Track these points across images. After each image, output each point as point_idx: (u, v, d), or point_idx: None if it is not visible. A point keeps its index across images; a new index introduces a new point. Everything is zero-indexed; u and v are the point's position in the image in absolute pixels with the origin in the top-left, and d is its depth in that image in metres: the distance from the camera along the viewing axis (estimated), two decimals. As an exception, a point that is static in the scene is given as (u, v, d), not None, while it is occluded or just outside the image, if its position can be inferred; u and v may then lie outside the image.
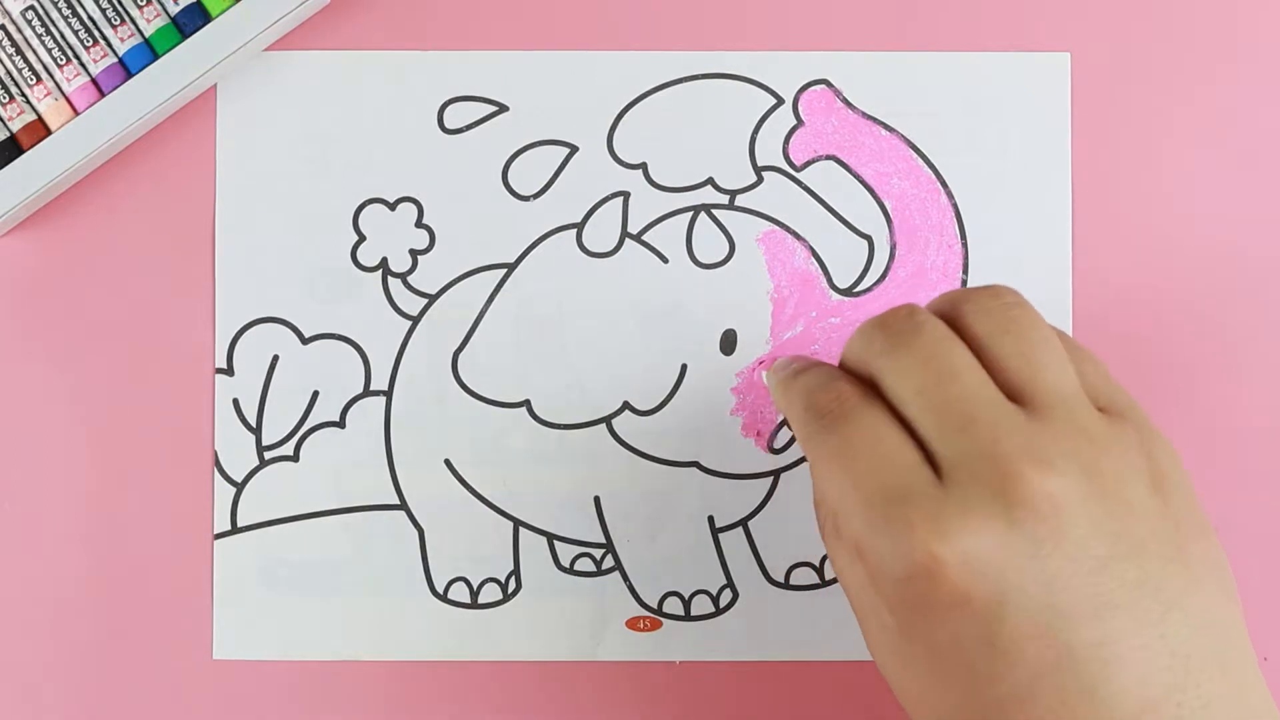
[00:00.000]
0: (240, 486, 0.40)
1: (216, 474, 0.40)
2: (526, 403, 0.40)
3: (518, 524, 0.40)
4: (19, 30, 0.39)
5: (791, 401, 0.32)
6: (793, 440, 0.40)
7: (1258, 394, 0.41)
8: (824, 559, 0.40)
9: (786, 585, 0.40)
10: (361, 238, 0.40)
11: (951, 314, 0.31)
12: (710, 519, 0.40)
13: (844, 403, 0.30)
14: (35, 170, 0.38)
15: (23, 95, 0.38)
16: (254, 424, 0.40)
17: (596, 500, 0.40)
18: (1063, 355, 0.30)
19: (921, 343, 0.29)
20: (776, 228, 0.41)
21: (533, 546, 0.40)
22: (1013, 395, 0.29)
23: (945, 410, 0.29)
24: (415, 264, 0.40)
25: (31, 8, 0.39)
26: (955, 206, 0.41)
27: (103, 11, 0.38)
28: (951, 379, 0.29)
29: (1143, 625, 0.27)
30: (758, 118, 0.41)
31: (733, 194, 0.41)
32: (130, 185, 0.40)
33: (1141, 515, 0.28)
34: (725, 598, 0.40)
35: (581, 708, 0.40)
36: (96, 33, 0.39)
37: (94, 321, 0.40)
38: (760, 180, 0.41)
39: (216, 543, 0.40)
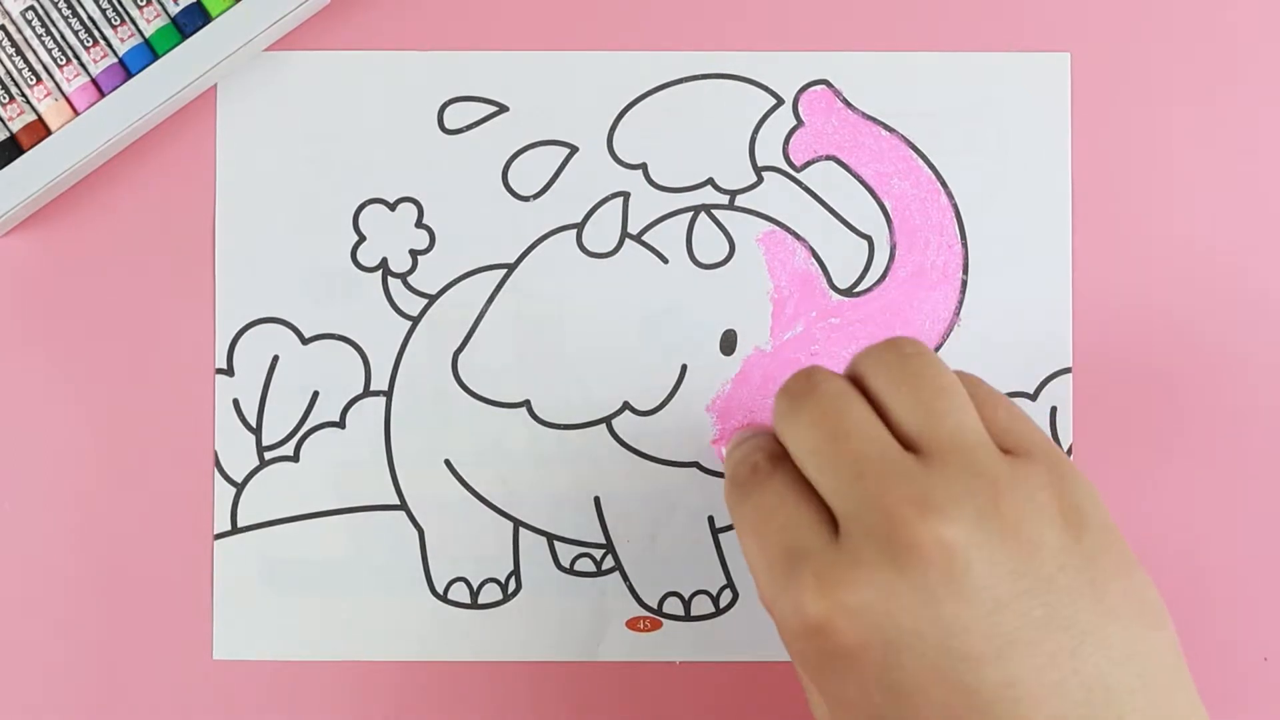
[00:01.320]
0: (240, 486, 0.40)
1: (216, 474, 0.40)
2: (526, 403, 0.40)
3: (518, 524, 0.40)
4: (19, 30, 0.39)
5: (725, 477, 0.33)
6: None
7: (1258, 393, 0.41)
8: (824, 559, 0.40)
9: (786, 585, 0.40)
10: (361, 238, 0.40)
11: (854, 370, 0.31)
12: (710, 519, 0.40)
13: (756, 473, 0.31)
14: (35, 170, 0.38)
15: (23, 95, 0.38)
16: (254, 424, 0.40)
17: (596, 500, 0.40)
18: (963, 401, 0.30)
19: (815, 402, 0.30)
20: (776, 228, 0.41)
21: (533, 546, 0.40)
22: (911, 446, 0.29)
23: (837, 466, 0.29)
24: (415, 264, 0.40)
25: (31, 8, 0.39)
26: (955, 206, 0.41)
27: (103, 11, 0.38)
28: (843, 437, 0.29)
29: (1053, 661, 0.27)
30: (758, 118, 0.41)
31: (733, 194, 0.41)
32: (130, 185, 0.40)
33: (1048, 552, 0.28)
34: (725, 598, 0.40)
35: (581, 708, 0.40)
36: (96, 33, 0.39)
37: (94, 321, 0.40)
38: (760, 180, 0.41)
39: (216, 543, 0.40)
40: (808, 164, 0.41)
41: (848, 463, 0.29)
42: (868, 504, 0.28)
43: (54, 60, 0.38)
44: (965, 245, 0.41)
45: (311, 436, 0.40)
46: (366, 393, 0.40)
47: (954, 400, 0.30)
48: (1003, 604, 0.27)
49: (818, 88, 0.41)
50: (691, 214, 0.41)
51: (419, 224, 0.41)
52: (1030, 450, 0.30)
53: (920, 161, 0.41)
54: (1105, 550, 0.29)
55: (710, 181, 0.41)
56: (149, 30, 0.39)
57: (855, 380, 0.31)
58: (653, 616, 0.40)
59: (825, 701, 0.30)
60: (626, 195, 0.41)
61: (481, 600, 0.40)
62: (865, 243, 0.41)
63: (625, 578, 0.40)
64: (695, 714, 0.40)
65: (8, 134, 0.38)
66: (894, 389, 0.30)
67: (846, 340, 0.40)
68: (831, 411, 0.30)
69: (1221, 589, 0.40)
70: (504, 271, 0.40)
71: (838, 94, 0.41)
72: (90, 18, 0.39)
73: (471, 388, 0.40)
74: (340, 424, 0.40)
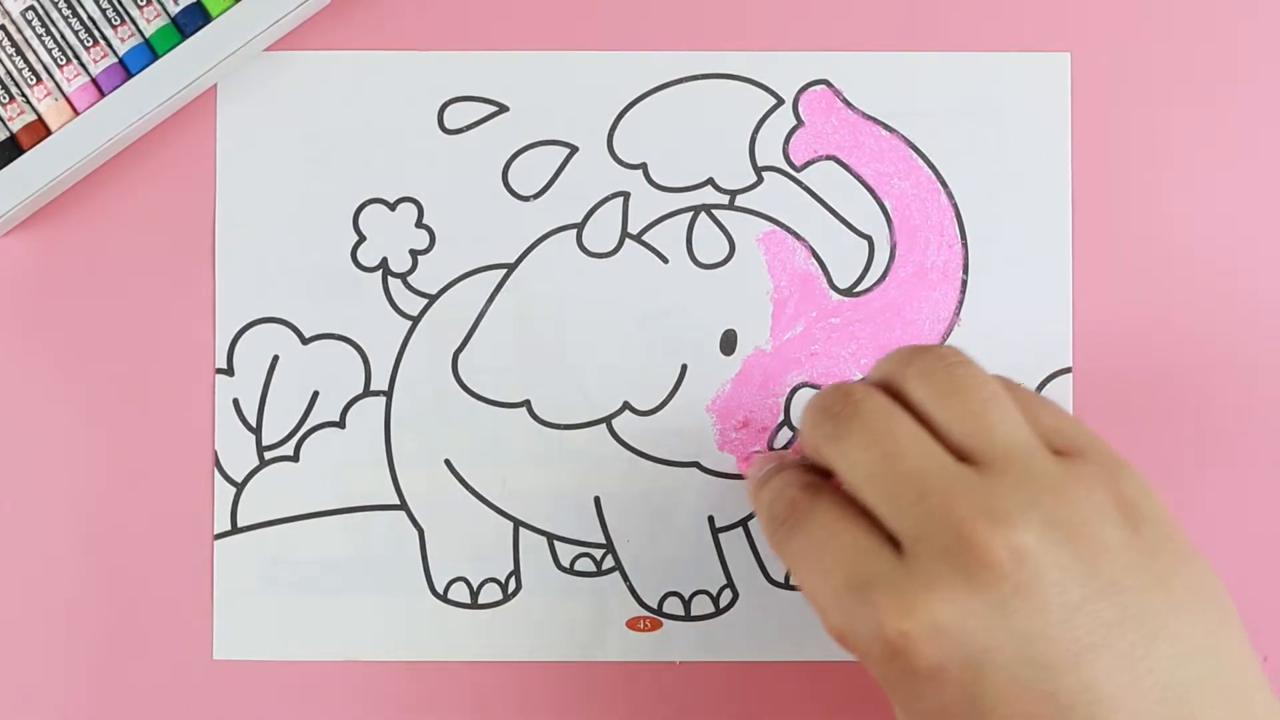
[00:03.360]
0: (240, 486, 0.40)
1: (216, 474, 0.40)
2: (526, 403, 0.40)
3: (518, 524, 0.40)
4: (19, 30, 0.39)
5: (760, 515, 0.33)
6: (791, 441, 0.40)
7: (1258, 393, 0.41)
8: (824, 559, 0.40)
9: (786, 585, 0.40)
10: (361, 238, 0.40)
11: (892, 382, 0.31)
12: (710, 519, 0.40)
13: (797, 508, 0.31)
14: (35, 170, 0.38)
15: (23, 95, 0.38)
16: (254, 424, 0.40)
17: (596, 500, 0.40)
18: (1010, 408, 0.30)
19: (862, 424, 0.30)
20: (776, 228, 0.41)
21: (533, 546, 0.40)
22: (963, 456, 0.29)
23: (897, 488, 0.29)
24: (415, 264, 0.40)
25: (31, 8, 0.39)
26: (955, 206, 0.41)
27: (103, 11, 0.38)
28: (897, 456, 0.29)
29: (1129, 662, 0.27)
30: (758, 118, 0.41)
31: (733, 194, 0.41)
32: (130, 185, 0.40)
33: (1114, 553, 0.28)
34: (725, 598, 0.40)
35: (581, 708, 0.40)
36: (96, 33, 0.39)
37: (94, 321, 0.40)
38: (760, 180, 0.41)
39: (216, 543, 0.40)
40: (808, 164, 0.41)
41: (908, 482, 0.29)
42: (934, 521, 0.28)
43: (54, 60, 0.38)
44: (965, 245, 0.41)
45: (311, 436, 0.40)
46: (366, 393, 0.40)
47: (1002, 407, 0.29)
48: (1075, 609, 0.27)
49: (818, 88, 0.41)
50: (691, 214, 0.41)
51: (419, 224, 0.40)
52: (1081, 450, 0.30)
53: (920, 161, 0.41)
54: (1165, 543, 0.29)
55: (710, 181, 0.41)
56: (149, 30, 0.39)
57: (893, 392, 0.31)
58: (653, 616, 0.40)
59: (909, 717, 0.30)
60: (626, 195, 0.41)
61: (481, 600, 0.40)
62: (865, 243, 0.41)
63: (625, 578, 0.40)
64: (695, 714, 0.40)
65: (8, 134, 0.38)
66: (940, 401, 0.30)
67: (846, 340, 0.40)
68: (882, 431, 0.29)
69: (1221, 589, 0.40)
70: (504, 271, 0.40)
71: (838, 94, 0.41)
72: (90, 18, 0.39)
73: (471, 388, 0.40)
74: (340, 424, 0.40)
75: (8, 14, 0.39)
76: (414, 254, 0.40)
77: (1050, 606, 0.27)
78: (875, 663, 0.29)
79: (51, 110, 0.38)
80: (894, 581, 0.28)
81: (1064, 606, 0.27)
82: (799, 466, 0.32)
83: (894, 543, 0.29)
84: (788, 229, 0.41)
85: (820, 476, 0.32)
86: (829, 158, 0.41)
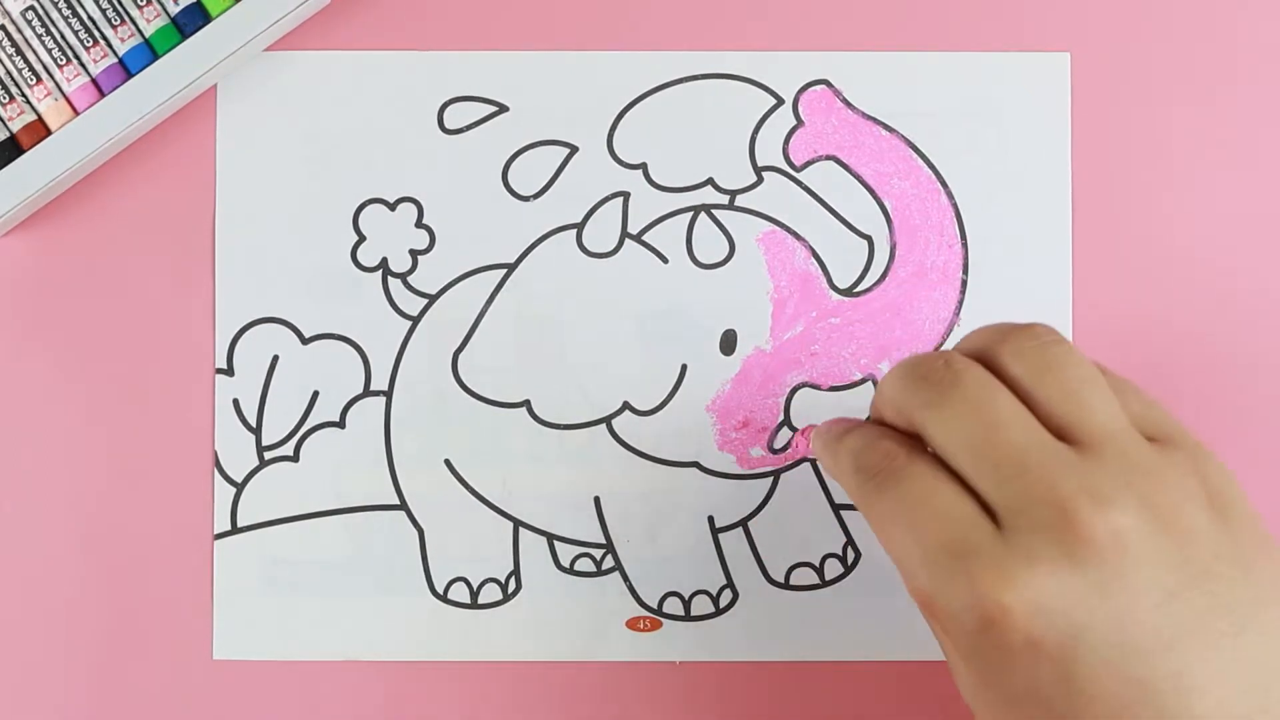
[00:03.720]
0: (240, 487, 0.40)
1: (216, 474, 0.40)
2: (526, 403, 0.40)
3: (518, 524, 0.40)
4: (19, 30, 0.39)
5: (841, 465, 0.32)
6: (791, 441, 0.40)
7: (1258, 393, 0.41)
8: (824, 559, 0.40)
9: (786, 585, 0.40)
10: (361, 238, 0.40)
11: (988, 356, 0.31)
12: (710, 519, 0.40)
13: (893, 460, 0.30)
14: (35, 170, 0.38)
15: (23, 95, 0.38)
16: (254, 424, 0.40)
17: (596, 500, 0.40)
18: (1107, 391, 0.30)
19: (963, 393, 0.29)
20: (776, 228, 0.41)
21: (533, 546, 0.40)
22: (1061, 435, 0.29)
23: (997, 460, 0.29)
24: (415, 264, 0.40)
25: (31, 8, 0.39)
26: (955, 206, 0.41)
27: (103, 11, 0.38)
28: (999, 428, 0.29)
29: (1218, 648, 0.27)
30: (758, 118, 0.41)
31: (733, 194, 0.41)
32: (130, 185, 0.40)
33: (1204, 540, 0.28)
34: (725, 598, 0.40)
35: (581, 708, 0.40)
36: (96, 33, 0.39)
37: (94, 321, 0.40)
38: (760, 180, 0.41)
39: (216, 543, 0.40)
40: (808, 164, 0.41)
41: (1009, 455, 0.28)
42: (1035, 497, 0.28)
43: (54, 60, 0.38)
44: (965, 245, 0.41)
45: (311, 436, 0.40)
46: (366, 393, 0.40)
47: (1099, 390, 0.29)
48: (1171, 594, 0.27)
49: (818, 88, 0.41)
50: (691, 214, 0.41)
51: (419, 224, 0.40)
52: (1171, 436, 0.30)
53: (920, 161, 0.41)
54: (1251, 533, 0.29)
55: (710, 181, 0.41)
56: (149, 30, 0.39)
57: (989, 366, 0.30)
58: (653, 616, 0.40)
59: (989, 692, 0.29)
60: (626, 195, 0.41)
61: (481, 600, 0.40)
62: (865, 243, 0.41)
63: (625, 578, 0.40)
64: (695, 714, 0.40)
65: (8, 134, 0.38)
66: (1038, 378, 0.30)
67: (847, 340, 0.40)
68: (984, 401, 0.29)
69: (1221, 589, 0.40)
70: (504, 271, 0.40)
71: (838, 94, 0.41)
72: (90, 18, 0.39)
73: (471, 388, 0.40)
74: (340, 424, 0.40)
75: (8, 14, 0.39)
76: (414, 254, 0.40)
77: (1146, 590, 0.27)
78: (966, 634, 0.28)
79: (51, 110, 0.38)
80: (993, 552, 0.28)
81: (1160, 591, 0.27)
82: (891, 429, 0.32)
83: (989, 514, 0.29)
84: (788, 229, 0.41)
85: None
86: (829, 158, 0.41)
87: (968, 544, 0.28)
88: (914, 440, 0.31)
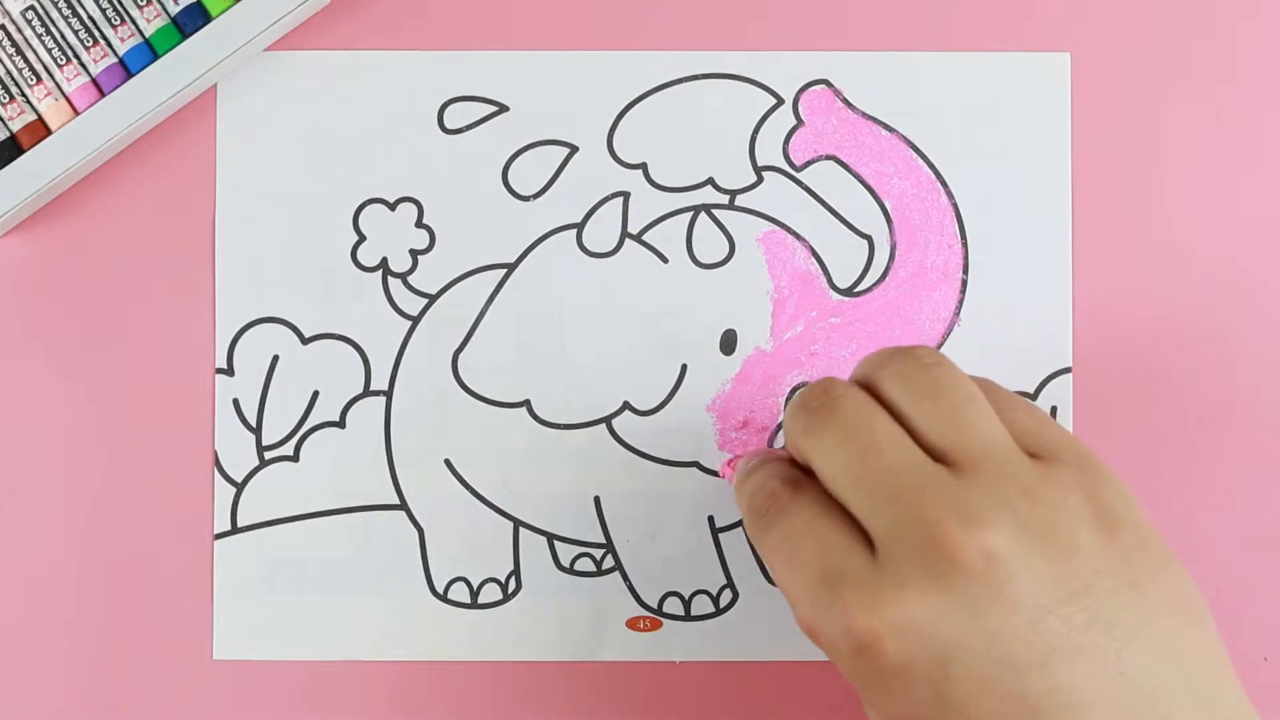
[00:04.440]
0: (240, 486, 0.40)
1: (216, 474, 0.40)
2: (526, 403, 0.40)
3: (518, 524, 0.40)
4: (19, 30, 0.39)
5: (741, 509, 0.33)
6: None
7: (1258, 393, 0.41)
8: (824, 559, 0.40)
9: (786, 585, 0.40)
10: (361, 238, 0.40)
11: (870, 381, 0.31)
12: (710, 519, 0.40)
13: (776, 501, 0.31)
14: (35, 170, 0.38)
15: (23, 95, 0.38)
16: (254, 424, 0.40)
17: (596, 500, 0.40)
18: (987, 410, 0.30)
19: (840, 419, 0.30)
20: (776, 228, 0.41)
21: (533, 546, 0.40)
22: (939, 457, 0.29)
23: (871, 484, 0.29)
24: (415, 264, 0.40)
25: (31, 8, 0.39)
26: (955, 206, 0.41)
27: (103, 11, 0.38)
28: (872, 452, 0.29)
29: (1100, 666, 0.27)
30: (758, 118, 0.41)
31: (733, 194, 0.41)
32: (130, 185, 0.40)
33: (1086, 556, 0.28)
34: (725, 598, 0.40)
35: (581, 708, 0.40)
36: (96, 33, 0.39)
37: (94, 321, 0.40)
38: (760, 180, 0.41)
39: (216, 543, 0.40)
40: (808, 164, 0.41)
41: (882, 479, 0.29)
42: (906, 520, 0.28)
43: (54, 60, 0.38)
44: (965, 245, 0.41)
45: (311, 436, 0.40)
46: (366, 393, 0.40)
47: (978, 409, 0.30)
48: (1046, 610, 0.27)
49: (818, 88, 0.41)
50: (691, 214, 0.41)
51: (419, 224, 0.40)
52: (1058, 453, 0.30)
53: (920, 161, 0.41)
54: (1141, 548, 0.29)
55: (710, 181, 0.41)
56: (149, 30, 0.39)
57: (870, 391, 0.31)
58: (653, 616, 0.40)
59: (875, 714, 0.30)
60: (626, 195, 0.41)
61: (481, 600, 0.40)
62: (865, 243, 0.41)
63: (625, 578, 0.40)
64: (695, 714, 0.40)
65: (8, 134, 0.38)
66: (916, 401, 0.30)
67: (847, 340, 0.40)
68: (858, 427, 0.30)
69: (1221, 589, 0.40)
70: (504, 271, 0.40)
71: (838, 94, 0.41)
72: (90, 18, 0.39)
73: (471, 388, 0.40)
74: (340, 424, 0.40)
75: (8, 14, 0.39)
76: (414, 254, 0.40)
77: (1020, 608, 0.27)
78: (843, 658, 0.29)
79: (51, 110, 0.38)
80: (864, 578, 0.28)
81: (1035, 609, 0.27)
82: (783, 461, 0.32)
83: (869, 540, 0.29)
84: (788, 229, 0.41)
85: (804, 473, 0.32)
86: (829, 158, 0.41)
87: (841, 572, 0.29)
88: (809, 474, 0.31)
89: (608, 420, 0.40)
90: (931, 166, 0.41)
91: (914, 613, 0.28)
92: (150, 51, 0.39)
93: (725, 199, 0.41)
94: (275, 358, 0.40)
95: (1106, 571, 0.28)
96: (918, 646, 0.28)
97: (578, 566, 0.40)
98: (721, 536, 0.40)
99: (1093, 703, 0.27)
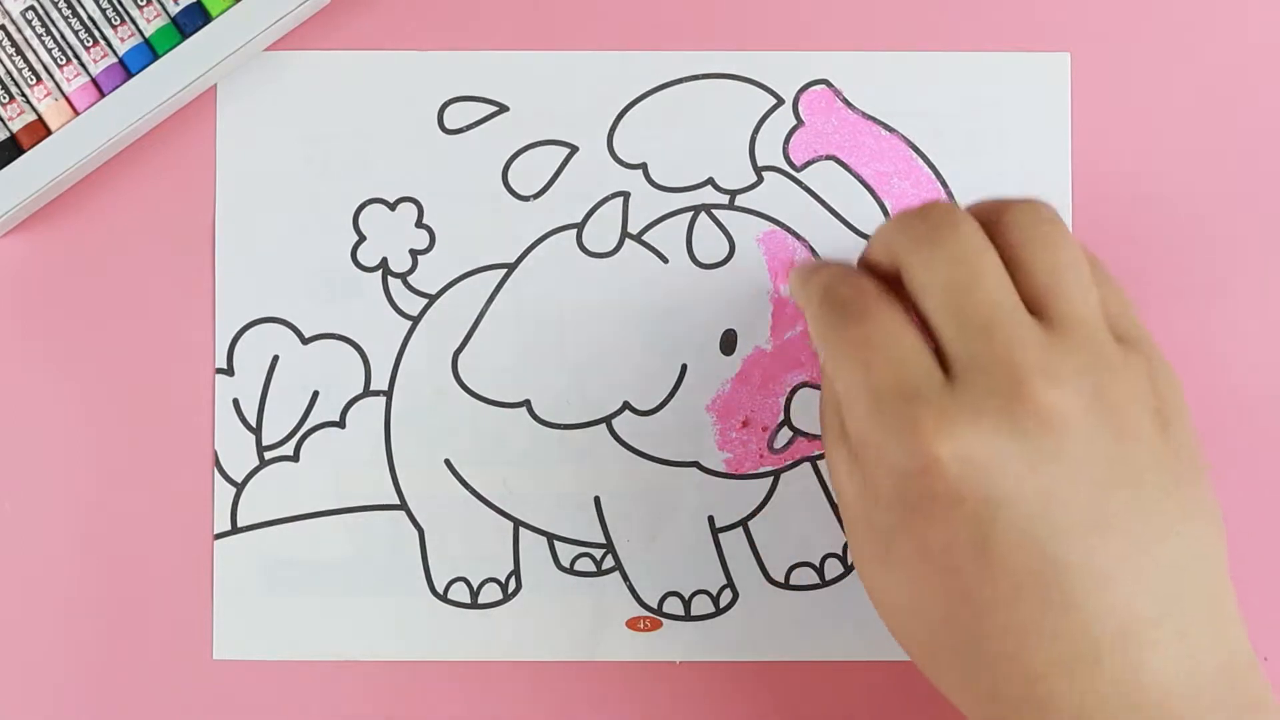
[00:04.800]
0: (240, 486, 0.40)
1: (216, 474, 0.40)
2: (526, 403, 0.40)
3: (518, 524, 0.40)
4: (19, 30, 0.39)
5: (810, 293, 0.32)
6: (791, 441, 0.40)
7: (1257, 393, 0.41)
8: (824, 559, 0.40)
9: (786, 585, 0.40)
10: (361, 238, 0.40)
11: (988, 220, 0.31)
12: (710, 519, 0.40)
13: (865, 296, 0.30)
14: (35, 170, 0.38)
15: (23, 95, 0.38)
16: (254, 424, 0.40)
17: (596, 500, 0.40)
18: (1088, 279, 0.30)
19: (956, 241, 0.30)
20: (776, 228, 0.41)
21: (533, 546, 0.40)
22: (1034, 309, 0.29)
23: (967, 312, 0.29)
24: (415, 264, 0.40)
25: (31, 8, 0.39)
26: (955, 206, 0.41)
27: (103, 11, 0.38)
28: (978, 283, 0.29)
29: (1135, 549, 0.28)
30: (758, 118, 0.41)
31: (733, 194, 0.41)
32: (130, 185, 0.40)
33: (1144, 444, 0.29)
34: (725, 598, 0.40)
35: (581, 708, 0.40)
36: (96, 33, 0.39)
37: (94, 321, 0.40)
38: (760, 180, 0.41)
39: (216, 543, 0.40)
40: (808, 164, 0.41)
41: (980, 311, 0.29)
42: (993, 359, 0.28)
43: (54, 60, 0.38)
44: (965, 245, 0.41)
45: (311, 436, 0.40)
46: (366, 393, 0.40)
47: (1080, 276, 0.30)
48: (1100, 485, 0.28)
49: (818, 88, 0.41)
50: (691, 214, 0.41)
51: (419, 224, 0.41)
52: (1137, 341, 0.30)
53: (920, 161, 0.41)
54: (1188, 451, 0.30)
55: (710, 181, 0.41)
56: (149, 30, 0.39)
57: (987, 231, 0.30)
58: (653, 616, 0.40)
59: (899, 542, 0.29)
60: (626, 195, 0.41)
61: (481, 600, 0.40)
62: (865, 242, 0.41)
63: (625, 578, 0.40)
64: (695, 714, 0.40)
65: (8, 134, 0.38)
66: (1027, 250, 0.30)
67: (846, 340, 0.40)
68: (970, 254, 0.29)
69: (1221, 589, 0.40)
70: (504, 271, 0.40)
71: (838, 94, 0.41)
72: (90, 18, 0.39)
73: (471, 388, 0.40)
74: (340, 424, 0.40)
75: (8, 14, 0.39)
76: (414, 254, 0.40)
77: (1077, 475, 0.28)
78: (895, 476, 0.29)
79: (51, 110, 0.38)
80: (940, 402, 0.28)
81: (1090, 481, 0.28)
82: (862, 270, 0.32)
83: (945, 367, 0.29)
84: (788, 229, 0.41)
85: None
86: (829, 158, 0.41)
87: (916, 389, 0.29)
88: (890, 288, 0.31)
89: (608, 420, 0.40)
90: (932, 166, 0.41)
91: (982, 447, 0.28)
92: (150, 51, 0.39)
93: (725, 199, 0.41)
94: (275, 358, 0.40)
95: (1157, 466, 0.29)
96: (974, 482, 0.28)
97: (578, 566, 0.40)
98: (721, 536, 0.40)
99: (1118, 581, 0.28)
